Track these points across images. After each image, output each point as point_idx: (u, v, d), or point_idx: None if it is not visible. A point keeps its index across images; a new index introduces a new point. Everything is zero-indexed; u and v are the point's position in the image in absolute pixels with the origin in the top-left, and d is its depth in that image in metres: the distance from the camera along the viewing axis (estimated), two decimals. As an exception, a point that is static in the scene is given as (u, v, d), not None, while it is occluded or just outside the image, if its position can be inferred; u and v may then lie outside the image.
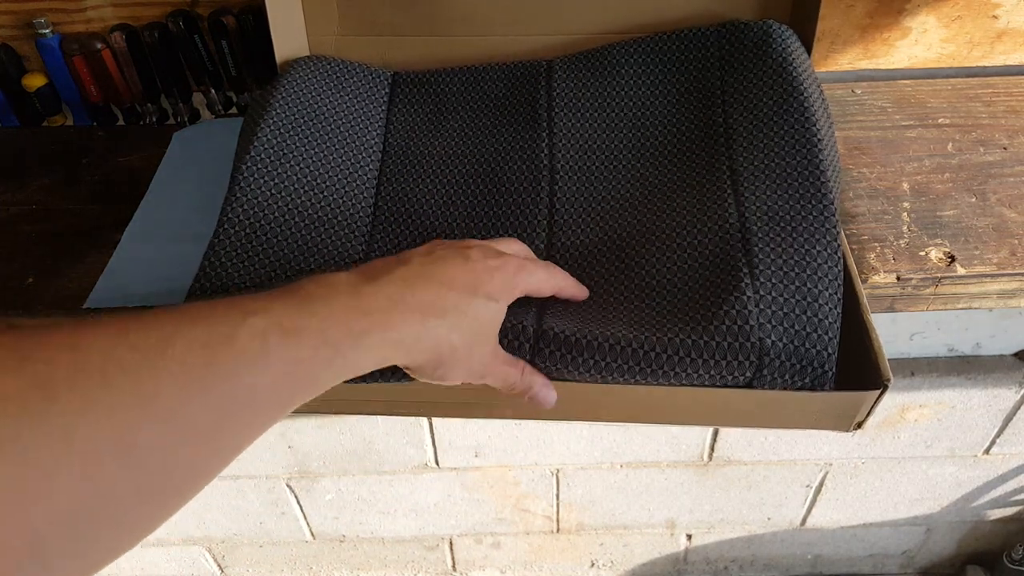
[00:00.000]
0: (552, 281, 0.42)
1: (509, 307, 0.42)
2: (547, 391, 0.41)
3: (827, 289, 0.40)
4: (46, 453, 0.22)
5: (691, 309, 0.41)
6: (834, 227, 0.43)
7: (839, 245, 0.42)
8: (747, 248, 0.43)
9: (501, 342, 0.40)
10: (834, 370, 0.39)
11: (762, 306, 0.40)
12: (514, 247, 0.42)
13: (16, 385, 0.22)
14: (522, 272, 0.39)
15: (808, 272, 0.41)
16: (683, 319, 0.41)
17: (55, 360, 0.23)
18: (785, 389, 0.39)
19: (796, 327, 0.39)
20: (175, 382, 0.25)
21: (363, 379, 0.41)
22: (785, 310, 0.40)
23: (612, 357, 0.39)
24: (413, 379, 0.41)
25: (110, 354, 0.24)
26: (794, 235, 0.43)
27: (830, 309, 0.40)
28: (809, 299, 0.40)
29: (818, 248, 0.42)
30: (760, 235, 0.43)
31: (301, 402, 0.31)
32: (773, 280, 0.41)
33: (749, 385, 0.40)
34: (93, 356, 0.24)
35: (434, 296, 0.34)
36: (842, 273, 0.41)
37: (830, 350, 0.39)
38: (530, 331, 0.41)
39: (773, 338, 0.39)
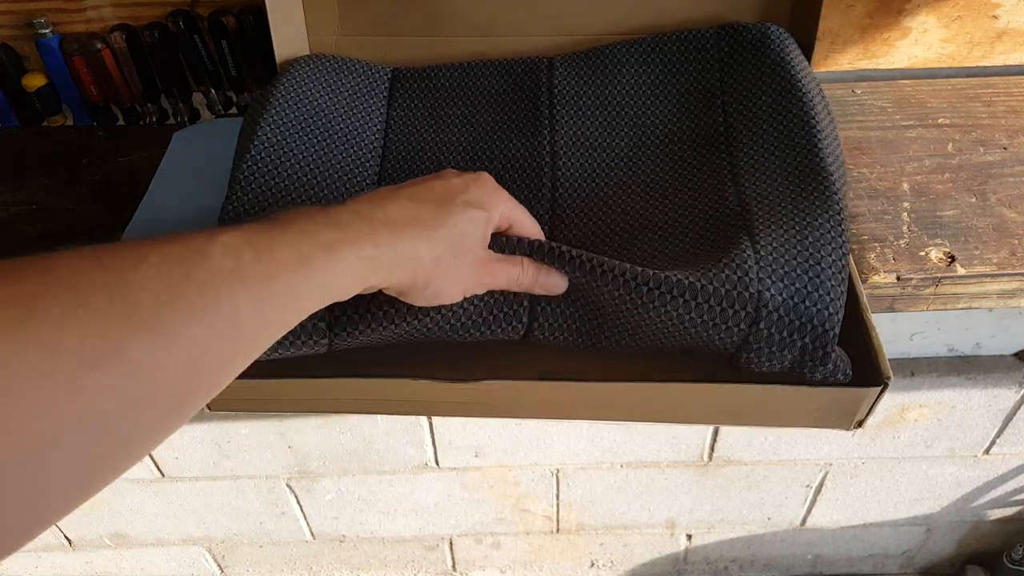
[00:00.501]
0: (535, 224, 0.42)
1: (499, 298, 0.41)
2: (555, 276, 0.40)
3: (830, 255, 0.40)
4: (27, 363, 0.21)
5: (691, 262, 0.41)
6: (837, 204, 0.43)
7: (843, 220, 0.42)
8: (748, 224, 0.43)
9: (495, 298, 0.41)
10: (836, 332, 0.39)
11: (762, 264, 0.40)
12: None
13: None
14: (500, 191, 0.39)
15: (811, 239, 0.41)
16: (682, 265, 0.41)
17: (26, 278, 0.23)
18: (783, 349, 0.39)
19: (797, 285, 0.39)
20: (154, 293, 0.24)
21: (362, 323, 0.40)
22: (786, 269, 0.39)
23: (615, 286, 0.39)
24: (414, 378, 0.42)
25: (81, 272, 0.24)
26: (795, 212, 0.43)
27: (833, 273, 0.40)
28: (811, 263, 0.40)
29: (820, 220, 0.42)
30: (760, 214, 0.43)
31: (286, 326, 0.30)
32: (774, 245, 0.41)
33: (745, 340, 0.39)
34: (63, 275, 0.23)
35: (405, 211, 0.34)
36: (847, 244, 0.41)
37: (831, 310, 0.38)
38: (523, 316, 0.41)
39: (772, 292, 0.38)
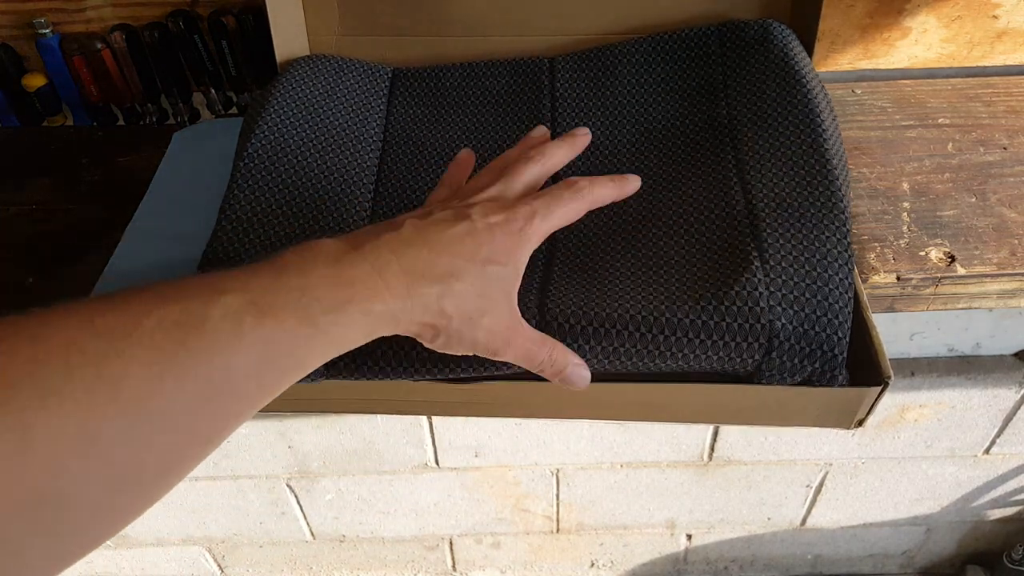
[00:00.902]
0: (576, 207, 0.37)
1: None
2: (581, 370, 0.38)
3: (837, 274, 0.40)
4: (4, 447, 0.21)
5: (700, 288, 0.41)
6: (843, 212, 0.43)
7: (848, 230, 0.42)
8: (755, 232, 0.43)
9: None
10: (845, 355, 0.39)
11: (772, 289, 0.39)
12: (527, 174, 0.38)
13: None
14: (532, 223, 0.35)
15: (818, 257, 0.41)
16: (691, 298, 0.40)
17: (15, 351, 0.22)
18: (794, 375, 0.39)
19: (806, 310, 0.39)
20: (142, 368, 0.24)
21: (358, 372, 0.41)
22: (795, 293, 0.39)
23: (619, 341, 0.39)
24: (416, 379, 0.41)
25: (73, 342, 0.23)
26: (802, 220, 0.42)
27: (840, 294, 0.40)
28: (819, 283, 0.40)
29: (827, 234, 0.42)
30: (768, 220, 0.43)
31: (286, 385, 0.29)
32: (783, 264, 0.41)
33: (758, 368, 0.39)
34: (55, 345, 0.23)
35: (424, 263, 0.32)
36: (853, 259, 0.41)
37: (840, 334, 0.39)
38: (532, 324, 0.40)
39: (783, 320, 0.39)
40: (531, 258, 0.44)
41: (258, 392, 0.28)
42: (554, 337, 0.39)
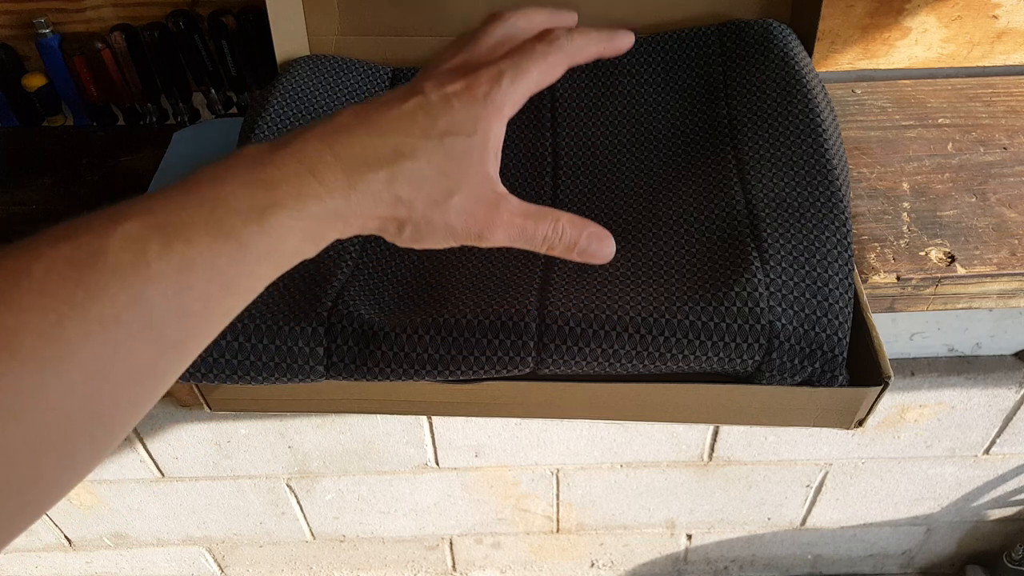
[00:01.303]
0: (552, 69, 0.31)
1: (507, 295, 0.41)
2: (600, 242, 0.32)
3: (837, 274, 0.40)
4: None
5: (700, 289, 0.41)
6: (843, 213, 0.43)
7: (848, 231, 0.42)
8: (755, 232, 0.43)
9: (502, 338, 0.39)
10: (844, 355, 0.39)
11: (772, 289, 0.40)
12: (494, 33, 0.32)
13: None
14: (498, 85, 0.30)
15: (818, 257, 0.41)
16: (692, 299, 0.40)
17: None
18: (795, 375, 0.39)
19: (806, 311, 0.39)
20: (37, 315, 0.21)
21: (358, 372, 0.41)
22: (795, 294, 0.40)
23: (620, 344, 0.39)
24: (417, 379, 0.41)
25: None
26: (802, 220, 0.43)
27: (840, 294, 0.40)
28: (819, 283, 0.40)
29: (827, 234, 0.42)
30: (768, 220, 0.43)
31: (221, 317, 0.25)
32: (783, 264, 0.41)
33: (758, 369, 0.39)
34: None
35: (364, 147, 0.27)
36: (852, 259, 0.41)
37: (840, 335, 0.39)
38: (532, 328, 0.40)
39: (783, 321, 0.39)
40: (530, 258, 0.43)
41: (185, 328, 0.24)
42: (554, 340, 0.39)
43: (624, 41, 0.34)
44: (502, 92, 0.30)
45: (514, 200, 0.31)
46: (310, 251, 0.27)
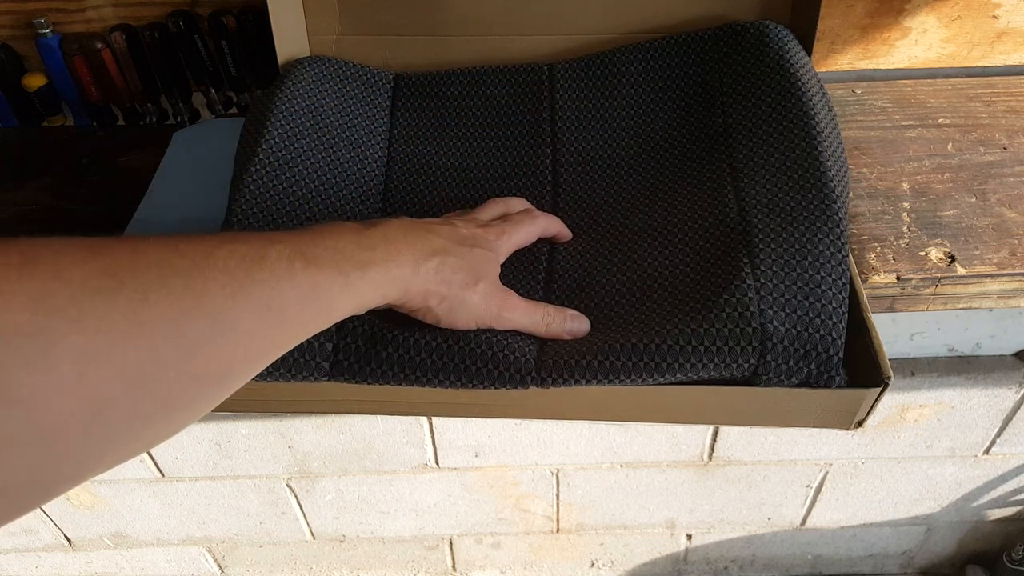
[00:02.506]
0: (533, 231, 0.46)
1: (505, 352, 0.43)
2: (578, 323, 0.43)
3: (830, 276, 0.40)
4: (115, 328, 0.25)
5: (691, 300, 0.41)
6: (836, 214, 0.43)
7: (843, 231, 0.42)
8: (747, 239, 0.43)
9: (504, 355, 0.41)
10: (840, 355, 0.39)
11: (763, 293, 0.40)
12: (493, 209, 0.46)
13: (89, 270, 0.25)
14: (502, 237, 0.43)
15: (810, 260, 0.41)
16: (683, 311, 0.41)
17: (119, 255, 0.27)
18: (791, 377, 0.39)
19: (798, 312, 0.39)
20: (218, 287, 0.29)
21: (359, 375, 0.41)
22: (787, 296, 0.40)
23: (619, 365, 0.40)
24: (411, 381, 0.42)
25: (163, 256, 0.28)
26: (794, 225, 0.43)
27: (834, 295, 0.40)
28: (811, 285, 0.40)
29: (819, 236, 0.42)
30: (760, 226, 0.43)
31: (319, 325, 0.34)
32: (774, 268, 0.41)
33: (755, 373, 0.39)
34: (150, 256, 0.27)
35: (423, 240, 0.39)
36: (847, 260, 0.41)
37: (835, 335, 0.39)
38: (531, 363, 0.41)
39: (775, 323, 0.39)
40: (530, 279, 0.47)
41: (299, 326, 0.33)
42: (552, 358, 0.41)
43: (564, 234, 0.49)
44: (503, 243, 0.44)
45: (515, 295, 0.42)
46: (376, 302, 0.37)
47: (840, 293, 0.40)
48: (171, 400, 0.28)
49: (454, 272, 0.39)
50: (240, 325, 0.29)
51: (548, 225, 0.47)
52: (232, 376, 0.31)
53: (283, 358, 0.41)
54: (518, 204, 0.48)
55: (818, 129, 0.47)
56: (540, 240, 0.49)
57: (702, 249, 0.44)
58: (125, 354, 0.25)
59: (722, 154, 0.49)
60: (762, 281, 0.40)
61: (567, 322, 0.43)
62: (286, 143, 0.49)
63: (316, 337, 0.41)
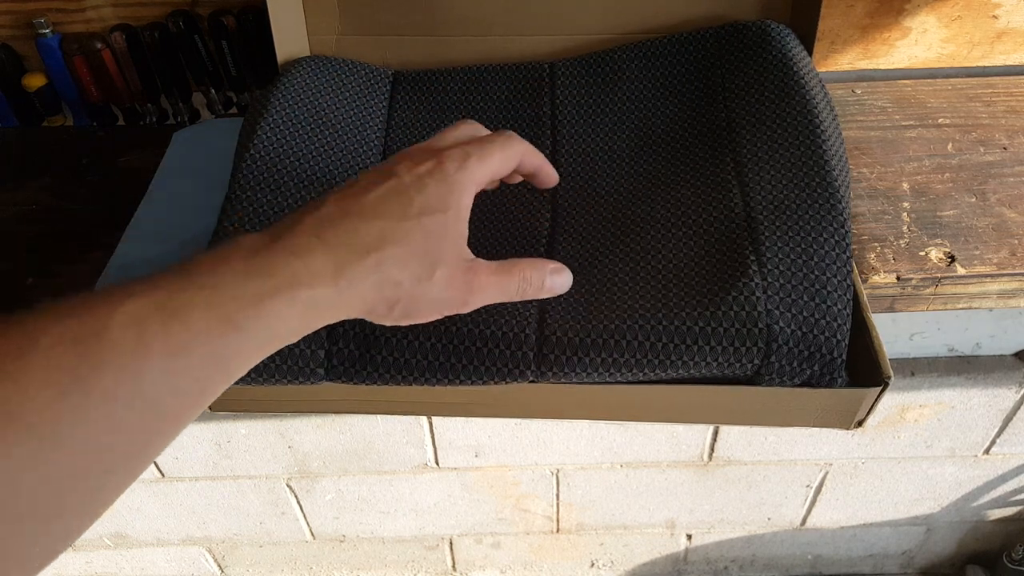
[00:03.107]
0: (508, 156, 0.36)
1: (507, 305, 0.41)
2: (558, 279, 0.37)
3: (835, 276, 0.40)
4: None
5: (697, 295, 0.41)
6: (841, 215, 0.43)
7: (847, 232, 0.42)
8: (753, 236, 0.43)
9: (502, 349, 0.40)
10: (844, 358, 0.39)
11: (770, 292, 0.40)
12: (460, 130, 0.37)
13: None
14: (466, 165, 0.33)
15: (815, 259, 0.41)
16: (689, 305, 0.40)
17: None
18: (794, 378, 0.39)
19: (804, 313, 0.39)
20: (41, 388, 0.22)
21: (357, 377, 0.41)
22: (793, 297, 0.40)
23: (619, 353, 0.39)
24: (409, 382, 0.41)
25: None
26: (800, 223, 0.43)
27: (839, 296, 0.40)
28: (817, 286, 0.40)
29: (825, 236, 0.42)
30: (766, 223, 0.43)
31: (214, 394, 0.27)
32: (780, 268, 0.41)
33: (757, 373, 0.39)
34: None
35: (349, 236, 0.30)
36: (851, 261, 0.41)
37: (839, 336, 0.39)
38: (532, 339, 0.40)
39: (781, 324, 0.39)
40: None
41: (179, 405, 0.25)
42: (553, 352, 0.40)
43: (552, 179, 0.41)
44: (469, 170, 0.33)
45: (482, 263, 0.34)
46: (302, 332, 0.29)
47: (845, 294, 0.40)
48: (14, 550, 0.22)
49: (401, 268, 0.30)
50: (80, 431, 0.22)
51: (527, 152, 0.37)
52: (93, 496, 0.24)
53: (277, 365, 0.40)
54: (484, 127, 0.39)
55: (822, 127, 0.47)
56: (538, 227, 0.48)
57: (707, 243, 0.44)
58: None
59: (726, 149, 0.49)
60: (769, 280, 0.40)
61: (546, 279, 0.36)
62: (280, 136, 0.49)
63: (307, 344, 0.41)
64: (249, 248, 0.28)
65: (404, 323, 0.33)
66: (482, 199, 0.50)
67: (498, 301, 0.35)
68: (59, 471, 0.22)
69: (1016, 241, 0.50)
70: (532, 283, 0.36)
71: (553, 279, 0.37)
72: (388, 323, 0.33)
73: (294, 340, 0.29)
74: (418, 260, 0.31)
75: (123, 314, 0.24)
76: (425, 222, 0.31)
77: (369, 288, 0.30)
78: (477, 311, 0.41)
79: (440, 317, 0.34)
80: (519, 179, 0.40)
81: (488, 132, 0.38)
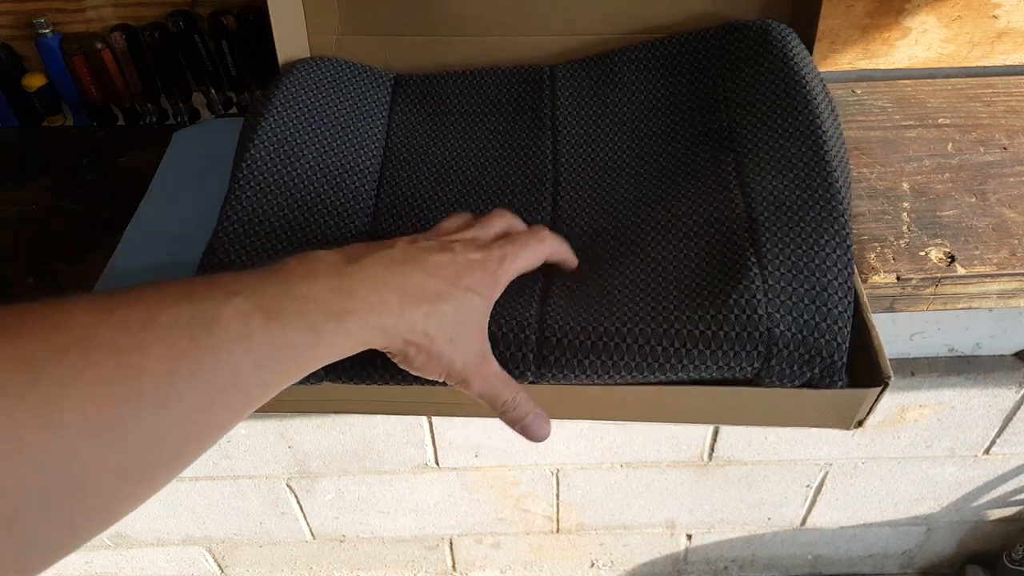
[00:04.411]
0: (539, 254, 0.41)
1: (508, 307, 0.41)
2: (541, 424, 0.39)
3: (836, 279, 0.40)
4: (27, 431, 0.22)
5: (698, 297, 0.41)
6: (842, 216, 0.43)
7: (848, 234, 0.42)
8: (754, 237, 0.43)
9: (502, 350, 0.40)
10: (844, 360, 0.39)
11: (770, 295, 0.40)
12: (498, 224, 0.41)
13: None
14: (504, 263, 0.38)
15: (817, 262, 0.41)
16: (690, 308, 0.40)
17: (39, 339, 0.23)
18: (794, 380, 0.39)
19: (805, 317, 0.39)
20: (158, 362, 0.25)
21: (357, 377, 0.41)
22: (794, 299, 0.39)
23: (619, 355, 0.39)
24: (409, 381, 0.42)
25: (93, 332, 0.24)
26: (801, 224, 0.42)
27: (840, 299, 0.40)
28: (818, 289, 0.40)
29: (826, 237, 0.42)
30: (767, 224, 0.43)
31: (285, 385, 0.31)
32: (781, 270, 0.41)
33: (757, 375, 0.39)
34: (75, 333, 0.24)
35: (415, 281, 0.34)
36: (852, 263, 0.41)
37: (839, 340, 0.39)
38: (532, 340, 0.40)
39: (782, 328, 0.39)
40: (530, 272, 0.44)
41: (260, 390, 0.29)
42: (553, 353, 0.40)
43: (571, 260, 0.45)
44: (504, 269, 0.38)
45: (495, 363, 0.38)
46: (355, 350, 0.33)
47: (846, 296, 0.40)
48: (100, 501, 0.24)
49: (441, 326, 0.35)
50: (187, 402, 0.25)
51: (556, 248, 0.43)
52: (176, 461, 0.27)
53: None
54: (520, 222, 0.44)
55: (823, 128, 0.47)
56: (541, 222, 0.48)
57: (708, 245, 0.44)
58: (38, 462, 0.22)
59: (727, 151, 0.49)
60: (770, 283, 0.40)
61: (530, 416, 0.39)
62: (280, 137, 0.49)
63: None
64: (334, 266, 0.33)
65: (413, 372, 0.36)
66: (483, 202, 0.51)
67: (486, 397, 0.38)
68: (161, 436, 0.25)
69: (1016, 241, 0.50)
70: (519, 409, 0.39)
71: (535, 420, 0.39)
72: (403, 366, 0.36)
73: (348, 355, 0.33)
74: (454, 325, 0.35)
75: (232, 307, 0.27)
76: (470, 297, 0.36)
77: (415, 332, 0.34)
78: None
79: (438, 380, 0.37)
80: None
81: (523, 226, 0.43)
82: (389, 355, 0.36)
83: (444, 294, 0.35)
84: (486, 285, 0.37)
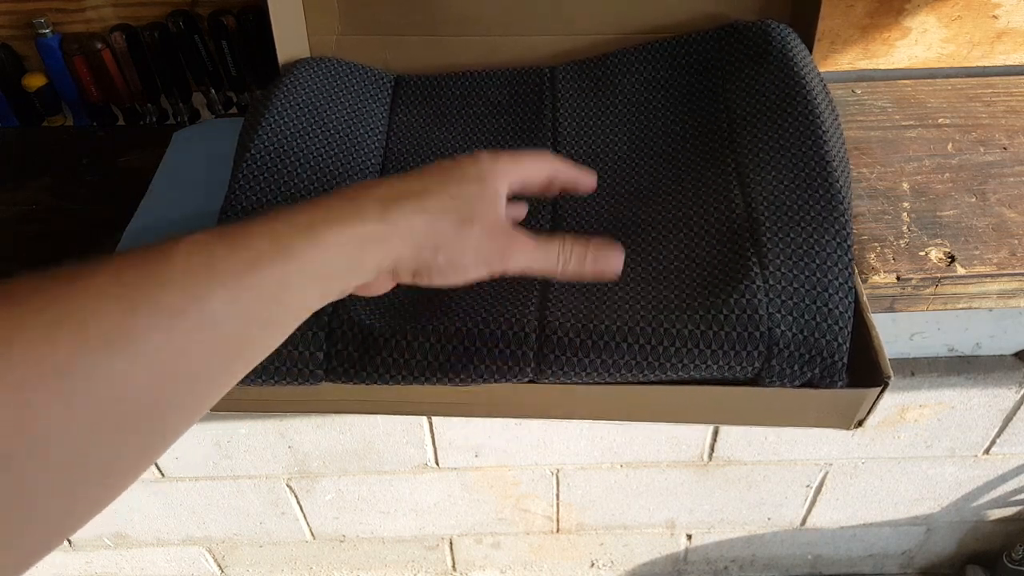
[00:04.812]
0: (542, 165, 0.38)
1: (507, 305, 0.41)
2: (608, 255, 0.36)
3: (837, 279, 0.40)
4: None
5: (699, 296, 0.41)
6: (842, 216, 0.43)
7: (849, 234, 0.42)
8: (755, 237, 0.43)
9: (502, 348, 0.40)
10: (845, 361, 0.39)
11: (771, 295, 0.40)
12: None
13: None
14: (498, 157, 0.35)
15: (817, 262, 0.41)
16: (691, 307, 0.40)
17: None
18: (794, 380, 0.39)
19: (806, 317, 0.39)
20: (113, 299, 0.22)
21: (357, 377, 0.41)
22: (795, 300, 0.39)
23: (619, 354, 0.39)
24: (417, 384, 0.41)
25: (37, 286, 0.22)
26: (802, 224, 0.42)
27: (840, 299, 0.40)
28: (819, 289, 0.40)
29: (827, 237, 0.42)
30: (768, 224, 0.43)
31: (278, 325, 0.28)
32: (782, 270, 0.41)
33: (758, 375, 0.39)
34: (19, 291, 0.22)
35: (394, 189, 0.31)
36: (853, 263, 0.41)
37: (840, 340, 0.39)
38: (532, 339, 0.40)
39: (782, 328, 0.39)
40: None
41: (247, 331, 0.26)
42: (553, 351, 0.40)
43: (591, 183, 0.41)
44: (501, 162, 0.35)
45: (522, 231, 0.35)
46: (354, 273, 0.30)
47: (846, 297, 0.40)
48: (81, 463, 0.22)
49: (441, 212, 0.32)
50: (149, 343, 0.23)
51: (559, 163, 0.39)
52: (168, 409, 0.24)
53: (276, 366, 0.41)
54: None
55: (823, 128, 0.47)
56: (539, 229, 0.48)
57: (709, 245, 0.44)
58: None
59: (727, 152, 0.49)
60: (771, 283, 0.40)
61: (588, 262, 0.35)
62: (280, 137, 0.49)
63: (306, 347, 0.41)
64: (304, 199, 0.30)
65: (450, 279, 0.33)
66: None
67: (539, 270, 0.35)
68: (124, 389, 0.22)
69: (1016, 241, 0.50)
70: (573, 259, 0.35)
71: (597, 263, 0.36)
72: (436, 278, 0.33)
73: (349, 284, 0.30)
74: (457, 210, 0.32)
75: (188, 241, 0.25)
76: (465, 187, 0.33)
77: (416, 225, 0.31)
78: (477, 310, 0.41)
79: (485, 274, 0.34)
80: (557, 190, 0.40)
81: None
82: (417, 280, 0.33)
83: (431, 188, 0.32)
84: (479, 174, 0.34)
